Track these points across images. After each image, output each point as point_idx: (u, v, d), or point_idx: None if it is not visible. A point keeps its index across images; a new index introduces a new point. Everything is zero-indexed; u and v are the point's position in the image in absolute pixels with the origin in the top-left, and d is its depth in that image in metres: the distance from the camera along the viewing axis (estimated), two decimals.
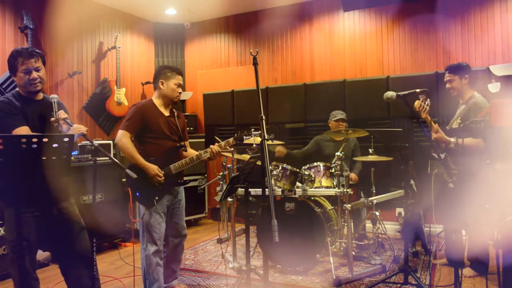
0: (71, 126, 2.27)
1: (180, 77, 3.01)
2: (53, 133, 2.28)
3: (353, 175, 4.19)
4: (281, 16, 5.74)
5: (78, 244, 2.40)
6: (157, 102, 2.98)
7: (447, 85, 3.35)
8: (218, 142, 2.99)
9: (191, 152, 3.07)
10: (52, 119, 2.26)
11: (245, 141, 2.97)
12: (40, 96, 2.44)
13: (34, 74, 2.32)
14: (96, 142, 2.25)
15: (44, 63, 2.39)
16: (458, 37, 4.82)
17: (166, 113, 2.99)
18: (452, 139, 3.05)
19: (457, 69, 3.29)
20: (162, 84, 2.95)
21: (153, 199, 2.83)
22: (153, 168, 2.80)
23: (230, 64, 6.16)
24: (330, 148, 4.34)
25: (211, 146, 2.93)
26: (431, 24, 4.93)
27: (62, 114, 2.29)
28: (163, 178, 2.82)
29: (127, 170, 2.37)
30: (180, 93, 3.01)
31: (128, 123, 2.85)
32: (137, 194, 2.84)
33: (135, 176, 2.34)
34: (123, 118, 2.98)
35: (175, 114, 3.06)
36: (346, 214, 3.41)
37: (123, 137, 2.82)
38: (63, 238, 2.37)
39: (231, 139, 2.92)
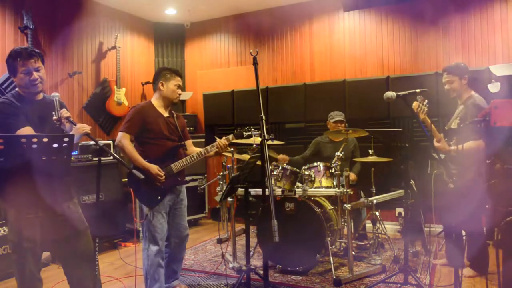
0: (75, 125, 2.27)
1: (179, 78, 3.04)
2: (54, 132, 2.27)
3: (352, 175, 4.18)
4: (281, 16, 5.75)
5: (82, 244, 2.39)
6: (156, 103, 3.00)
7: (446, 87, 3.33)
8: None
9: (194, 150, 3.06)
10: (54, 117, 2.25)
11: (245, 141, 2.98)
12: (40, 96, 2.42)
13: (35, 75, 2.30)
14: (101, 142, 2.24)
15: (43, 62, 2.38)
16: (458, 37, 4.82)
17: (165, 114, 3.01)
18: (453, 148, 3.04)
19: (456, 69, 3.27)
20: (162, 85, 2.98)
21: (156, 198, 2.84)
22: (154, 168, 2.80)
23: (230, 64, 6.16)
24: (330, 149, 4.33)
25: (218, 139, 2.94)
26: (431, 24, 4.93)
27: (65, 112, 2.28)
28: (164, 177, 2.83)
29: (134, 171, 2.38)
30: (179, 94, 3.04)
31: (127, 125, 2.87)
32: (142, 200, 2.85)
33: (142, 176, 2.34)
34: (123, 119, 2.99)
35: (174, 115, 3.09)
36: (346, 214, 3.41)
37: (122, 138, 2.84)
38: (67, 238, 2.36)
39: (230, 136, 2.97)
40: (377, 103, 4.78)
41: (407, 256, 3.19)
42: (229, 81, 6.08)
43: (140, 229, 4.61)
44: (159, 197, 2.85)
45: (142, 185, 2.82)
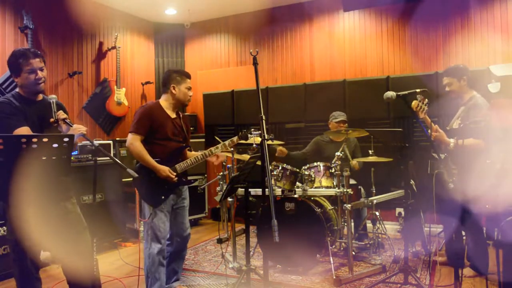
0: (71, 126, 2.28)
1: (189, 80, 3.11)
2: (52, 133, 2.29)
3: (354, 162, 4.13)
4: (281, 16, 5.74)
5: (80, 244, 2.40)
6: (165, 104, 3.02)
7: (446, 89, 3.34)
8: (218, 142, 3.00)
9: (193, 153, 3.11)
10: (51, 119, 2.28)
11: (245, 141, 2.99)
12: (40, 97, 2.45)
13: (39, 74, 2.35)
14: (96, 142, 2.26)
15: (45, 64, 2.43)
16: (458, 37, 4.82)
17: (173, 115, 3.04)
18: (452, 140, 3.05)
19: (454, 71, 3.29)
20: (174, 88, 3.02)
21: (160, 198, 2.86)
22: (164, 170, 2.83)
23: (230, 64, 6.16)
24: (330, 149, 4.33)
25: (208, 159, 3.04)
26: (431, 24, 4.93)
27: (61, 114, 2.31)
28: (176, 178, 2.87)
29: (128, 170, 2.37)
30: (191, 95, 3.10)
31: (137, 126, 2.88)
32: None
33: (136, 175, 2.35)
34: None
35: (180, 115, 3.12)
36: (346, 214, 3.41)
37: (134, 140, 2.85)
38: (66, 238, 2.37)
39: (235, 138, 2.98)
40: (377, 103, 4.78)
41: (407, 256, 3.19)
42: (229, 81, 6.08)
43: (142, 228, 4.61)
44: (163, 197, 2.87)
45: (146, 184, 2.83)
